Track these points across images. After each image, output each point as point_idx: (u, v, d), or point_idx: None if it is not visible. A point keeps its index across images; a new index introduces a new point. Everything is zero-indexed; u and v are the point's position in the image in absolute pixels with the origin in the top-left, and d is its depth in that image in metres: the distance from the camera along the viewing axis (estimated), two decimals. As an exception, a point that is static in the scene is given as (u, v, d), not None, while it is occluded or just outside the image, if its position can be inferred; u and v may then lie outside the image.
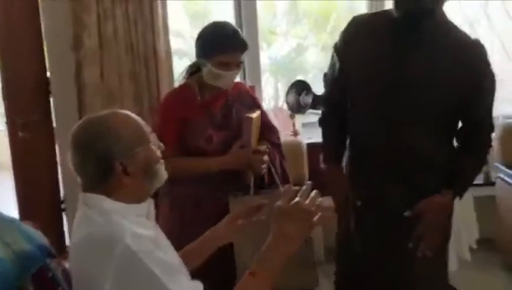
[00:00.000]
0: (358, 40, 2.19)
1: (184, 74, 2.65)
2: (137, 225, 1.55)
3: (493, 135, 2.22)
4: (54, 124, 3.65)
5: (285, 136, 3.80)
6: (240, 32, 2.49)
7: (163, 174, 1.68)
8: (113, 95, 3.48)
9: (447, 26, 2.10)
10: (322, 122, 2.48)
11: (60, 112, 3.62)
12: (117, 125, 1.59)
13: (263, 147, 2.54)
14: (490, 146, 2.22)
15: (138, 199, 1.62)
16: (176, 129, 2.50)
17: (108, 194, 1.58)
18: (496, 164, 3.46)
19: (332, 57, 2.31)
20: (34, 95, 3.56)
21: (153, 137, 1.67)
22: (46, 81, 3.59)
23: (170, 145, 2.22)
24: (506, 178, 3.34)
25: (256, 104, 2.71)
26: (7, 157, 3.60)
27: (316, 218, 1.52)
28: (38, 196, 3.57)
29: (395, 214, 2.17)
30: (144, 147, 1.61)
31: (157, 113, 2.69)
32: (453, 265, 2.84)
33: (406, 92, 2.06)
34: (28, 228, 1.76)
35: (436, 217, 2.13)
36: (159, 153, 1.67)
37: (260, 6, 3.91)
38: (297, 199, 1.53)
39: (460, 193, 2.20)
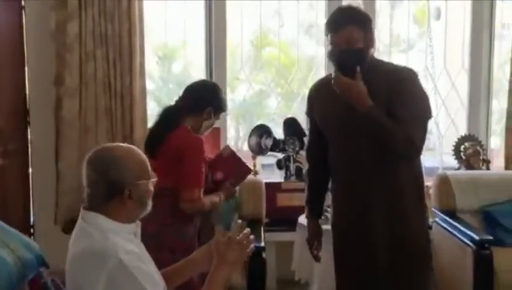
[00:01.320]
0: (318, 98, 2.67)
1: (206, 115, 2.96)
2: (127, 242, 1.83)
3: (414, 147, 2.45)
4: (30, 154, 3.88)
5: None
6: None
7: (149, 205, 1.96)
8: (89, 129, 3.77)
9: (378, 62, 2.57)
10: (306, 176, 2.90)
11: (37, 142, 3.88)
12: (129, 157, 1.89)
13: None
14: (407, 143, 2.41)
15: (130, 220, 1.90)
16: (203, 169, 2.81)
17: (108, 213, 1.85)
18: (433, 209, 3.84)
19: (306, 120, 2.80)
20: (13, 124, 3.80)
21: (152, 174, 1.96)
22: (26, 112, 3.84)
23: (202, 186, 2.73)
24: (440, 222, 3.72)
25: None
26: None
27: (248, 249, 1.96)
28: (9, 220, 3.74)
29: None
30: (146, 180, 1.91)
31: (191, 155, 2.75)
32: None
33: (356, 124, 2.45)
34: (27, 238, 2.03)
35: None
36: (151, 187, 1.96)
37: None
38: (229, 234, 1.96)
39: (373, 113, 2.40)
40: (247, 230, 2.01)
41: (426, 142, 2.54)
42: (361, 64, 2.39)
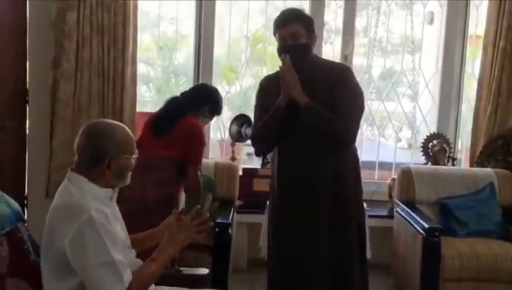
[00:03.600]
0: (269, 91, 3.01)
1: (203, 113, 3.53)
2: (101, 204, 2.12)
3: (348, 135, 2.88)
4: (27, 131, 4.22)
5: (224, 160, 4.50)
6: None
7: (128, 179, 2.25)
8: (82, 110, 4.09)
9: (319, 60, 3.03)
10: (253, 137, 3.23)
11: (33, 120, 4.21)
12: (118, 132, 2.18)
13: None
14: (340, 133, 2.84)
15: (108, 187, 2.19)
16: None
17: (90, 177, 2.14)
18: (395, 199, 4.14)
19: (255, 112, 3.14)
20: (13, 103, 4.14)
21: (136, 153, 2.25)
22: (25, 92, 4.18)
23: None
24: (400, 212, 4.00)
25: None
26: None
27: (196, 234, 2.26)
28: (4, 189, 4.08)
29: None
30: (128, 156, 2.20)
31: (198, 139, 3.33)
32: (368, 252, 3.47)
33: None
34: (9, 198, 2.35)
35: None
36: (133, 163, 2.25)
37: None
38: (183, 217, 2.28)
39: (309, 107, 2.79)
40: (205, 215, 2.29)
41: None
42: (305, 57, 2.74)
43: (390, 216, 4.23)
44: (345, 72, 2.93)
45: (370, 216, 4.30)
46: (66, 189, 2.15)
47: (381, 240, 4.11)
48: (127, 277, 2.05)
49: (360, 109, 2.87)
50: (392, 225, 4.17)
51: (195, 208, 2.31)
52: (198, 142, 3.31)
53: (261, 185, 4.27)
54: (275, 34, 2.91)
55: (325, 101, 2.79)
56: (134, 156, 2.22)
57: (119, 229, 2.22)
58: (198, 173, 3.28)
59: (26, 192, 4.26)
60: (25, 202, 4.24)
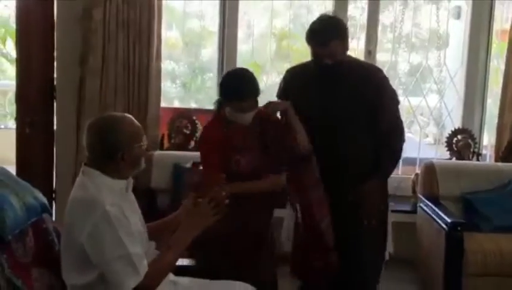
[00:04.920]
0: (293, 86, 3.07)
1: (215, 106, 3.03)
2: (116, 196, 2.16)
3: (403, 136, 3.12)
4: (55, 126, 4.31)
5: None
6: (252, 81, 2.83)
7: (143, 164, 2.29)
8: (108, 106, 4.16)
9: (352, 60, 3.07)
10: None
11: (61, 116, 4.30)
12: (124, 124, 2.21)
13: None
14: (400, 143, 3.09)
15: (123, 177, 2.24)
16: (219, 153, 2.89)
17: (104, 171, 2.18)
18: (419, 195, 4.12)
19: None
20: (41, 99, 4.23)
21: (144, 139, 2.28)
22: (53, 89, 4.26)
23: (216, 168, 2.80)
24: (424, 207, 4.00)
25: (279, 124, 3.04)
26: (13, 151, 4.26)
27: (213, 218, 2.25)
28: (32, 183, 4.19)
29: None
30: (139, 145, 2.23)
31: (201, 145, 3.15)
32: (389, 247, 3.46)
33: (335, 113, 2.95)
34: (35, 190, 2.42)
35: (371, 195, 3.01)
36: (145, 149, 2.28)
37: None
38: (200, 200, 2.27)
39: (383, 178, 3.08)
40: (223, 196, 2.29)
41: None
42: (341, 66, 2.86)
43: (414, 211, 4.21)
44: (382, 81, 3.03)
45: (393, 211, 4.33)
46: (81, 183, 2.19)
47: (405, 235, 4.09)
48: (143, 268, 2.09)
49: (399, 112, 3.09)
50: (415, 220, 4.16)
51: (213, 190, 2.31)
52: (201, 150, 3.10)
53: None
54: (309, 43, 2.91)
55: (361, 105, 2.95)
56: (143, 142, 2.24)
57: (136, 220, 2.25)
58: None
59: (54, 186, 4.34)
60: (53, 195, 4.33)
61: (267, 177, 2.91)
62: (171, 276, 2.36)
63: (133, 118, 2.26)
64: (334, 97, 2.98)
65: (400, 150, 3.14)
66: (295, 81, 3.05)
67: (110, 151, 2.16)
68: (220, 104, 2.96)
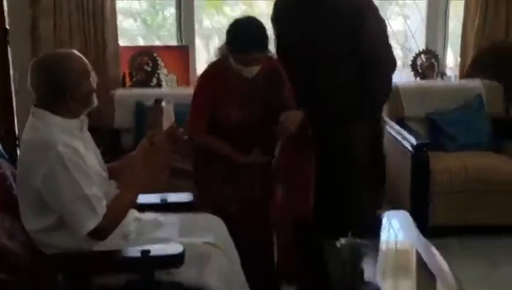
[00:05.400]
0: (282, 16, 2.87)
1: (219, 51, 2.98)
2: (70, 137, 2.09)
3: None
4: (11, 70, 4.18)
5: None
6: (261, 32, 2.58)
7: (95, 101, 2.21)
8: (63, 45, 4.02)
9: None
10: None
11: (16, 59, 4.15)
12: (71, 61, 2.12)
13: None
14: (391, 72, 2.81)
15: (75, 116, 2.16)
16: (205, 103, 2.71)
17: (54, 111, 2.10)
18: (385, 118, 4.09)
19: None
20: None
21: (93, 74, 2.20)
22: (5, 32, 4.12)
23: (201, 118, 2.67)
24: (390, 130, 3.94)
25: (281, 79, 2.80)
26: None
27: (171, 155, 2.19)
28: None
29: None
30: (87, 81, 2.15)
31: (196, 87, 2.84)
32: None
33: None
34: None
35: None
36: (95, 85, 2.20)
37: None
38: (156, 138, 2.19)
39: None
40: (179, 131, 2.25)
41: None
42: None
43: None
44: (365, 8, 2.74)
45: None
46: (32, 125, 2.12)
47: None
48: (102, 209, 2.04)
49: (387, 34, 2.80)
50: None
51: (169, 127, 2.25)
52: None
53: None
54: None
55: (345, 30, 2.68)
56: (92, 78, 2.16)
57: (93, 160, 2.19)
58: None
59: (17, 132, 4.26)
60: (17, 142, 4.25)
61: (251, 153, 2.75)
62: (135, 213, 2.34)
63: (80, 54, 2.17)
64: (315, 23, 2.75)
65: (390, 79, 2.85)
66: (287, 14, 2.86)
67: (58, 90, 2.08)
68: (224, 51, 2.80)
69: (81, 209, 2.01)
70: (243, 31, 2.59)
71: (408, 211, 3.56)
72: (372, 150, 2.93)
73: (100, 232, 2.05)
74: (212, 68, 2.83)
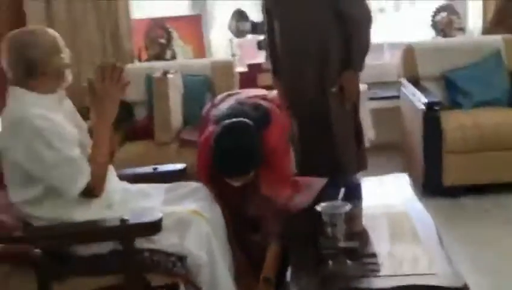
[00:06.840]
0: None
1: None
2: (48, 110, 2.11)
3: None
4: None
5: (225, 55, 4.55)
6: (244, 157, 2.38)
7: (69, 77, 2.22)
8: (78, 24, 4.12)
9: None
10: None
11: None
12: (41, 37, 2.14)
13: None
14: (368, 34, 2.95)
15: (50, 92, 2.19)
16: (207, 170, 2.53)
17: (30, 87, 2.14)
18: (400, 79, 4.03)
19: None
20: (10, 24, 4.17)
21: (65, 50, 2.21)
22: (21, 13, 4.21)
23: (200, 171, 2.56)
24: (404, 90, 3.91)
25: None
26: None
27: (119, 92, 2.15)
28: None
29: None
30: (58, 56, 2.17)
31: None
32: (371, 133, 3.52)
33: None
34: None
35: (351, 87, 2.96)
36: (67, 61, 2.22)
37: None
38: (97, 86, 2.13)
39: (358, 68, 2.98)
40: (119, 67, 2.16)
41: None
42: None
43: (398, 96, 4.14)
44: None
45: (378, 98, 4.27)
46: (8, 104, 2.15)
47: (390, 121, 4.06)
48: (87, 167, 2.09)
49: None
50: (400, 104, 4.09)
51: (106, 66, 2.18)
52: None
53: (266, 79, 4.24)
54: None
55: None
56: (64, 54, 2.17)
57: (72, 128, 2.19)
58: None
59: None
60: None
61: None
62: (124, 184, 2.38)
63: (48, 29, 2.19)
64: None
65: (368, 40, 2.96)
66: None
67: (28, 66, 2.11)
68: None
69: (67, 170, 2.06)
70: (225, 158, 2.38)
71: (422, 172, 3.55)
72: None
73: (92, 190, 2.10)
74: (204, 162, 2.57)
